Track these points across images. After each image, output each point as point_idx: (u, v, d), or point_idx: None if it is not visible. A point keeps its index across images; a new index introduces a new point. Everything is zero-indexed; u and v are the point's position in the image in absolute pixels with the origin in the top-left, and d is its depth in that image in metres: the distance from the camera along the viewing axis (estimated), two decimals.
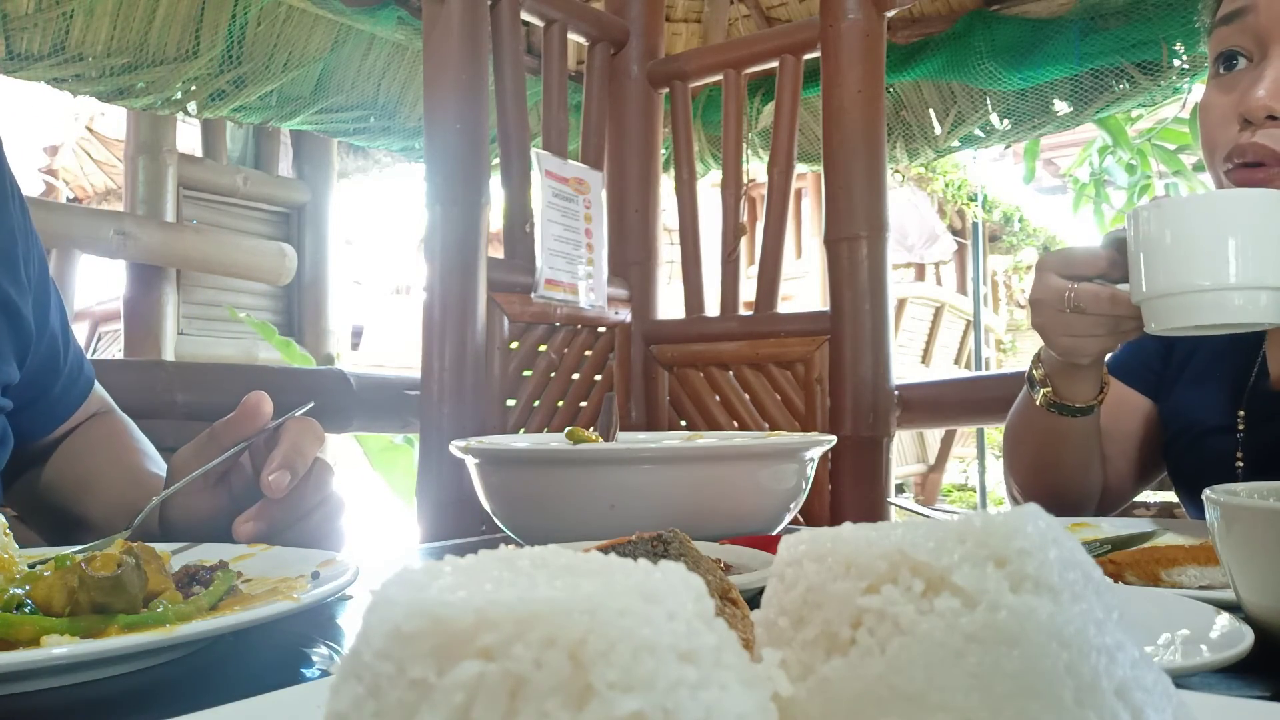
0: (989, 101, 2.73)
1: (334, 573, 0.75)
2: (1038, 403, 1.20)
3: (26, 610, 0.63)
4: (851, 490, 2.18)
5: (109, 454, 1.16)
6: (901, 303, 7.29)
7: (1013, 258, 11.74)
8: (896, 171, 7.34)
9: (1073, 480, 1.27)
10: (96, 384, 1.25)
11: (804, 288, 8.90)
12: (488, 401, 2.08)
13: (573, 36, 2.42)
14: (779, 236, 2.41)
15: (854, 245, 2.17)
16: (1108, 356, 1.33)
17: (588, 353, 2.40)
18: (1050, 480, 1.28)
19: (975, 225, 8.42)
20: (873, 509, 2.14)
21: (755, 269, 2.41)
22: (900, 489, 7.22)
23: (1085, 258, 1.06)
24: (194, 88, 2.58)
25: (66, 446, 1.18)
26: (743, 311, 2.49)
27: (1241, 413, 1.18)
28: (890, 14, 2.23)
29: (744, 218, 2.50)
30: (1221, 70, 1.11)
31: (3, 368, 1.05)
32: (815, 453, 1.15)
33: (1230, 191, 0.99)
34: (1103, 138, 5.33)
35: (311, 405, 1.00)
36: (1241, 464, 1.17)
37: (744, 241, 2.50)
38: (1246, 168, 1.04)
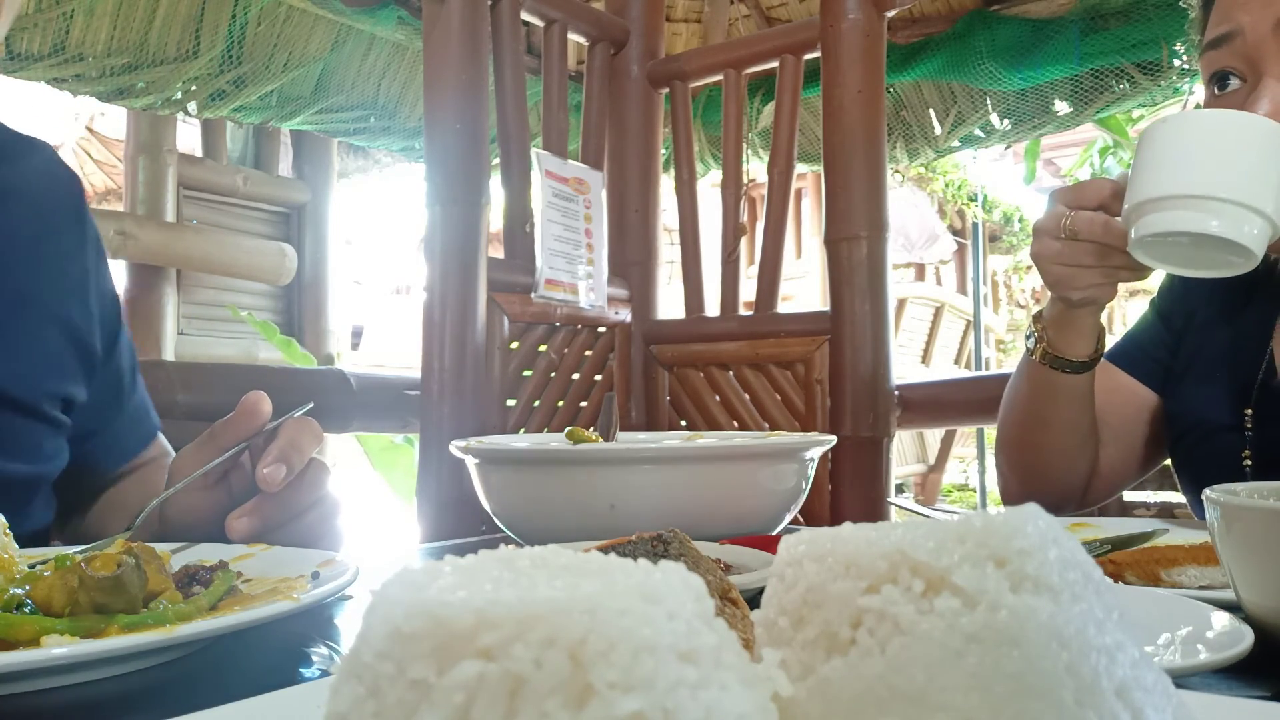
0: (989, 101, 2.73)
1: (334, 573, 0.75)
2: (1034, 357, 1.21)
3: (26, 610, 0.63)
4: (851, 490, 2.18)
5: (154, 491, 1.19)
6: (901, 303, 7.29)
7: (1013, 258, 11.74)
8: (896, 171, 7.34)
9: (1060, 446, 1.27)
10: (161, 436, 1.30)
11: (804, 288, 8.90)
12: (488, 401, 2.08)
13: (573, 36, 2.42)
14: (779, 236, 2.41)
15: (854, 245, 2.17)
16: (1111, 346, 1.33)
17: (588, 353, 2.40)
18: (1038, 442, 1.28)
19: (975, 225, 8.42)
20: (873, 509, 2.14)
21: (755, 269, 2.41)
22: (900, 489, 7.22)
23: (1092, 187, 1.07)
24: (194, 88, 2.58)
25: (119, 487, 1.23)
26: (743, 311, 2.49)
27: (1249, 411, 1.18)
28: (890, 14, 2.23)
29: (744, 218, 2.50)
30: (1217, 91, 1.11)
31: (66, 384, 1.10)
32: (815, 453, 1.15)
33: (1240, 113, 0.97)
34: (1103, 138, 5.33)
35: (311, 405, 1.01)
36: (1250, 463, 1.16)
37: (744, 241, 2.50)
38: None
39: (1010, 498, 1.37)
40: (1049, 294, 1.18)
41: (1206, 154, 0.92)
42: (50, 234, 1.13)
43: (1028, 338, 1.23)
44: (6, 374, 1.03)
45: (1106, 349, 1.34)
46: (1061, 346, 1.19)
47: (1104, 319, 1.22)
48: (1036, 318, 1.22)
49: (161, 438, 1.32)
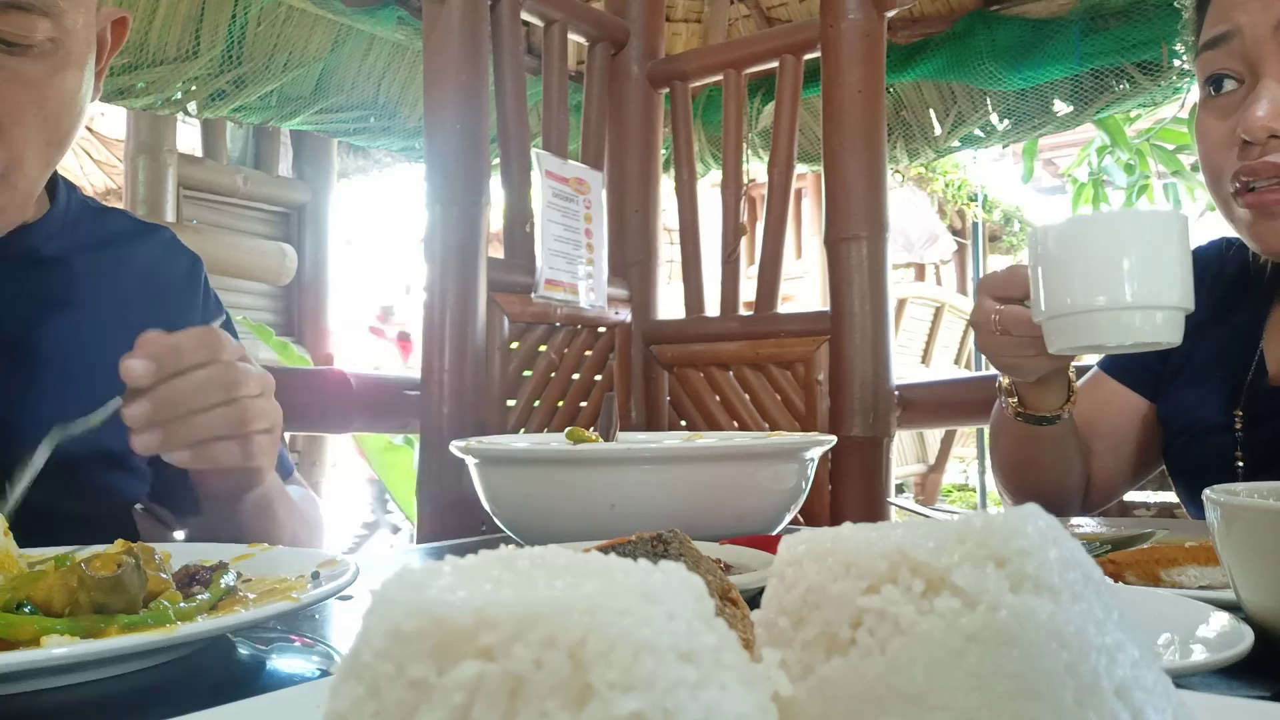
0: (989, 101, 2.73)
1: (334, 573, 0.75)
2: (1007, 412, 1.23)
3: (26, 610, 0.63)
4: (851, 490, 2.18)
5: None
6: (901, 303, 7.28)
7: (1013, 258, 11.73)
8: (896, 171, 7.33)
9: (1051, 478, 1.30)
10: (297, 476, 1.35)
11: (804, 288, 8.89)
12: (488, 401, 2.08)
13: (573, 36, 2.42)
14: (779, 236, 2.41)
15: (854, 245, 2.17)
16: (1097, 358, 1.34)
17: (588, 353, 2.40)
18: (1030, 478, 1.31)
19: (975, 225, 8.42)
20: (873, 509, 2.14)
21: (755, 269, 2.41)
22: (900, 489, 7.22)
23: (1013, 279, 1.08)
24: (194, 88, 2.58)
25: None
26: (743, 311, 2.49)
27: (1239, 411, 1.18)
28: (890, 14, 2.23)
29: (744, 218, 2.50)
30: (1213, 91, 1.11)
31: None
32: (815, 453, 1.15)
33: (1125, 211, 0.99)
34: (1101, 138, 5.33)
35: (225, 318, 1.02)
36: (1242, 462, 1.17)
37: (744, 241, 2.50)
38: (1254, 190, 1.05)
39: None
40: None
41: (1111, 261, 0.93)
42: (162, 307, 1.16)
43: (999, 389, 1.25)
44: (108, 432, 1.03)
45: (1099, 359, 1.35)
46: (1034, 405, 1.21)
47: None
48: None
49: (298, 478, 1.36)
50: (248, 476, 1.00)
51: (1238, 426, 1.18)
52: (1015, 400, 1.22)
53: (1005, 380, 1.22)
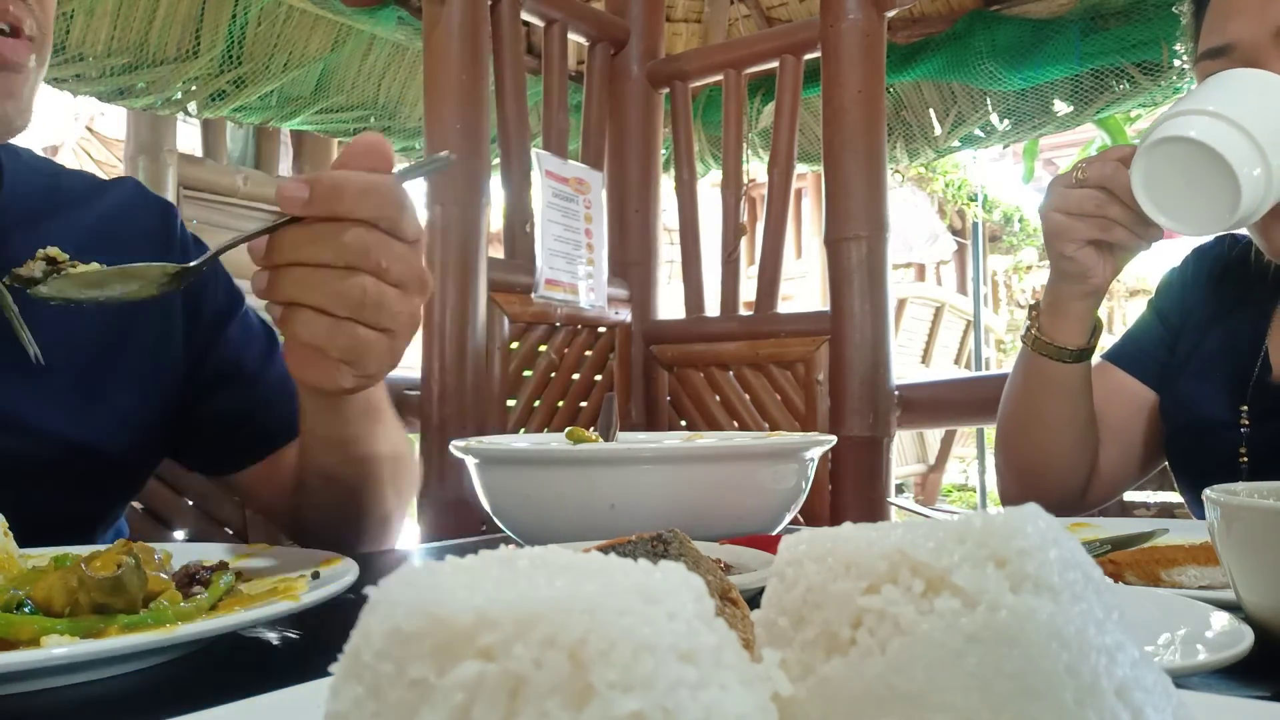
0: (989, 101, 2.73)
1: (334, 573, 0.75)
2: (1027, 345, 1.22)
3: (26, 610, 0.63)
4: (851, 490, 2.18)
5: None
6: (901, 303, 7.28)
7: (1013, 258, 11.73)
8: (896, 171, 7.33)
9: (1058, 444, 1.27)
10: None
11: (804, 288, 8.90)
12: (488, 401, 2.08)
13: (573, 36, 2.42)
14: (779, 236, 2.41)
15: (854, 245, 2.17)
16: (1110, 346, 1.33)
17: (588, 353, 2.40)
18: (1035, 440, 1.28)
19: (975, 225, 8.41)
20: (873, 509, 2.14)
21: (755, 269, 2.41)
22: (900, 489, 7.21)
23: (1113, 149, 1.10)
24: (194, 88, 2.58)
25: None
26: (743, 311, 2.49)
27: (1245, 408, 1.18)
28: (890, 14, 2.23)
29: (744, 218, 2.50)
30: None
31: (142, 432, 1.07)
32: (815, 453, 1.15)
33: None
34: (1102, 137, 5.33)
35: (449, 155, 0.88)
36: (1246, 460, 1.17)
37: (744, 241, 2.50)
38: None
39: (1009, 499, 1.37)
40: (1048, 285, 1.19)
41: (1239, 90, 0.98)
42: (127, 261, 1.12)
43: (1024, 323, 1.24)
44: (87, 426, 1.01)
45: (1106, 350, 1.34)
46: (1053, 333, 1.19)
47: (1104, 319, 1.22)
48: (1034, 308, 1.23)
49: None
50: (370, 372, 0.82)
51: (1244, 423, 1.18)
52: (1038, 330, 1.21)
53: (1032, 311, 1.22)
